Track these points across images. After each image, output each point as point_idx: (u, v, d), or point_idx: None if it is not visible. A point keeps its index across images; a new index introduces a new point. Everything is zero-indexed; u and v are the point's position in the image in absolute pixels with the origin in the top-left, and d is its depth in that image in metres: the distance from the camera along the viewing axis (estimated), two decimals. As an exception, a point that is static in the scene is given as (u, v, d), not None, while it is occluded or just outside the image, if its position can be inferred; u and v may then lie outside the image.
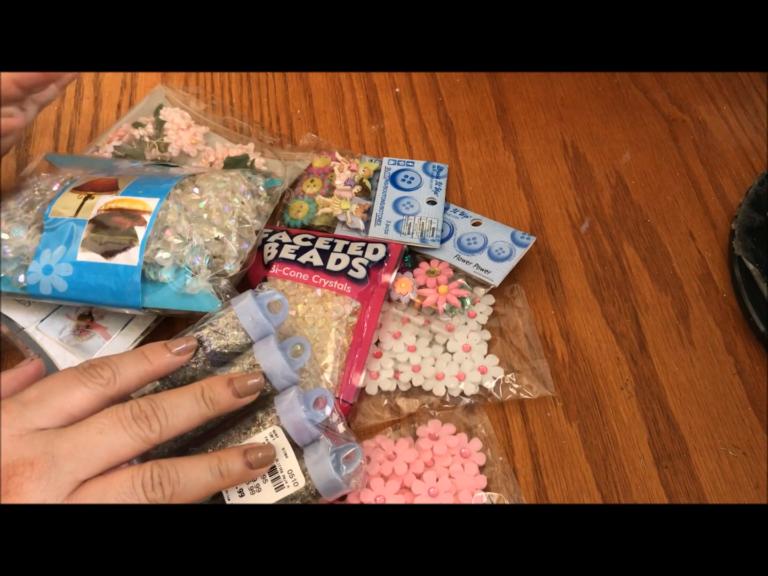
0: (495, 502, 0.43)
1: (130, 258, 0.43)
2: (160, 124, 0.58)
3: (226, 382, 0.37)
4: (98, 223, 0.44)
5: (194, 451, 0.39)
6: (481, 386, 0.47)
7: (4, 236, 0.45)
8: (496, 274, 0.50)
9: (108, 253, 0.43)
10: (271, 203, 0.50)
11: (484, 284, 0.50)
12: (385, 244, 0.50)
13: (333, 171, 0.55)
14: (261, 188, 0.49)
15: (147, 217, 0.44)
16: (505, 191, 0.57)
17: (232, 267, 0.45)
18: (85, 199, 0.45)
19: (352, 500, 0.42)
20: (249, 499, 0.38)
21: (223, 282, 0.45)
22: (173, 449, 0.40)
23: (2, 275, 0.45)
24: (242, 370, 0.39)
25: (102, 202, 0.45)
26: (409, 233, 0.52)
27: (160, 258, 0.44)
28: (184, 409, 0.36)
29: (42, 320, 0.47)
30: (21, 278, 0.44)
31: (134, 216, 0.44)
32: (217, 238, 0.45)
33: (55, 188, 0.48)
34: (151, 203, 0.44)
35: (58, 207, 0.45)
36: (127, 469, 0.33)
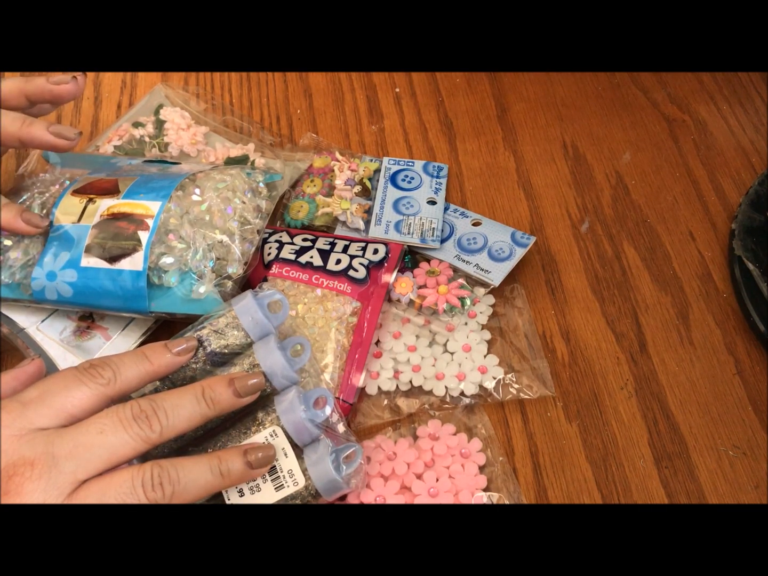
0: (495, 502, 0.43)
1: (135, 263, 0.43)
2: (160, 124, 0.58)
3: (226, 382, 0.37)
4: (101, 229, 0.44)
5: (194, 451, 0.39)
6: (481, 386, 0.47)
7: (7, 242, 0.45)
8: (496, 274, 0.50)
9: (112, 259, 0.43)
10: (271, 201, 0.50)
11: (484, 284, 0.50)
12: (385, 244, 0.50)
13: (333, 171, 0.55)
14: (261, 185, 0.49)
15: (150, 222, 0.44)
16: (505, 191, 0.57)
17: (236, 269, 0.45)
18: (87, 203, 0.45)
19: (352, 500, 0.42)
20: (249, 499, 0.38)
21: (229, 285, 0.45)
22: (173, 449, 0.40)
23: (9, 282, 0.45)
24: (242, 370, 0.39)
25: (104, 206, 0.45)
26: (409, 233, 0.52)
27: (164, 263, 0.44)
28: (184, 409, 0.36)
29: (43, 321, 0.47)
30: (28, 284, 0.45)
31: (137, 220, 0.44)
32: (220, 242, 0.45)
33: (54, 189, 0.48)
34: (153, 207, 0.44)
35: (60, 213, 0.45)
36: (127, 469, 0.33)
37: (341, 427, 0.41)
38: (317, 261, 0.48)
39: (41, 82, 0.45)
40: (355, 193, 0.53)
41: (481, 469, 0.44)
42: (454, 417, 0.46)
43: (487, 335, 0.49)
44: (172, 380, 0.40)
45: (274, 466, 0.38)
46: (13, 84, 0.45)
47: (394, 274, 0.48)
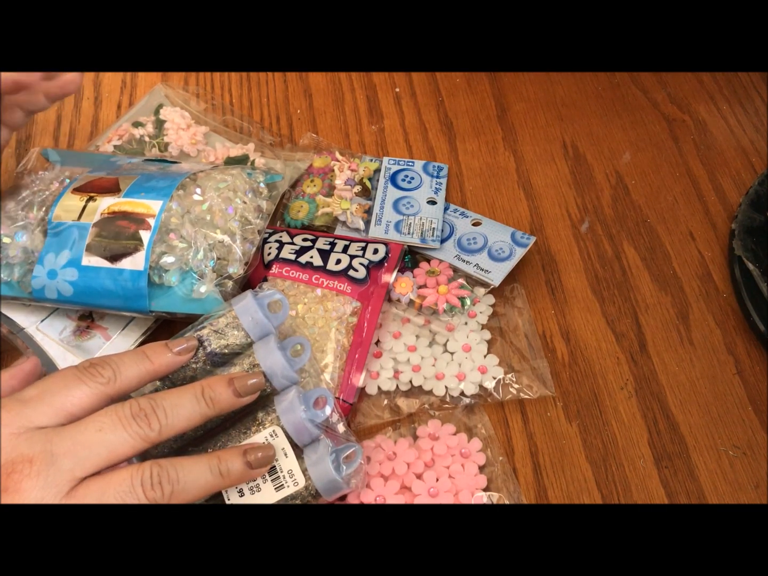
0: (495, 502, 0.43)
1: (136, 263, 0.43)
2: (160, 124, 0.58)
3: (226, 381, 0.37)
4: (102, 227, 0.44)
5: (194, 450, 0.39)
6: (481, 386, 0.47)
7: (6, 240, 0.45)
8: (496, 274, 0.50)
9: (113, 258, 0.43)
10: (272, 202, 0.50)
11: (484, 284, 0.50)
12: (385, 244, 0.50)
13: (333, 171, 0.55)
14: (262, 185, 0.49)
15: (151, 221, 0.44)
16: (505, 191, 0.57)
17: (236, 269, 0.45)
18: (87, 201, 0.45)
19: (352, 500, 0.42)
20: (249, 499, 0.38)
21: (230, 284, 0.45)
22: (173, 449, 0.40)
23: (9, 280, 0.45)
24: (242, 370, 0.39)
25: (105, 204, 0.45)
26: (409, 233, 0.52)
27: (165, 262, 0.44)
28: (184, 408, 0.36)
29: (42, 320, 0.47)
30: (27, 282, 0.45)
31: (138, 219, 0.44)
32: (221, 242, 0.45)
33: (54, 187, 0.48)
34: (154, 206, 0.44)
35: (60, 210, 0.45)
36: (126, 468, 0.33)
37: (341, 427, 0.41)
38: (317, 261, 0.48)
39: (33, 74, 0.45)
40: (355, 193, 0.53)
41: (481, 469, 0.44)
42: (454, 417, 0.46)
43: (487, 335, 0.49)
44: (172, 380, 0.40)
45: (274, 466, 0.38)
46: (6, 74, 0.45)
47: (394, 274, 0.48)
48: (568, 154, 0.59)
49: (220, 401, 0.37)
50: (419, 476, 0.43)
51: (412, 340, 0.48)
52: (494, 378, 0.47)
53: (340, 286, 0.47)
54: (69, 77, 0.48)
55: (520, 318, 0.50)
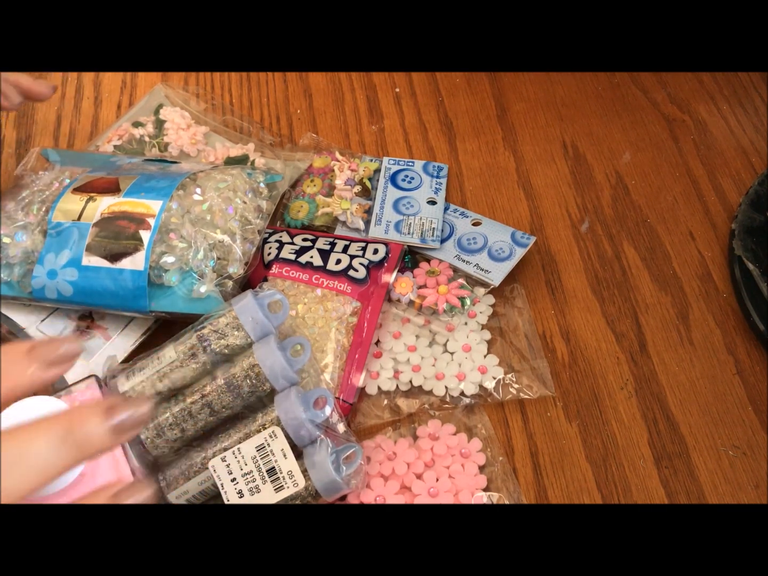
0: (495, 502, 0.43)
1: (136, 263, 0.43)
2: (160, 124, 0.58)
3: (103, 410, 0.25)
4: (102, 227, 0.44)
5: (194, 450, 0.39)
6: (481, 386, 0.47)
7: (6, 240, 0.45)
8: (496, 274, 0.50)
9: (113, 258, 0.43)
10: (272, 202, 0.50)
11: (484, 284, 0.50)
12: (385, 244, 0.50)
13: (333, 171, 0.55)
14: (262, 185, 0.49)
15: (151, 221, 0.44)
16: (505, 191, 0.57)
17: (236, 269, 0.45)
18: (87, 201, 0.45)
19: (352, 500, 0.42)
20: (249, 500, 0.38)
21: (230, 284, 0.45)
22: (173, 449, 0.40)
23: (9, 280, 0.45)
24: (242, 370, 0.39)
25: (105, 204, 0.45)
26: (409, 233, 0.52)
27: (165, 262, 0.44)
28: (33, 462, 0.24)
29: (42, 320, 0.47)
30: (27, 282, 0.45)
31: (138, 220, 0.44)
32: (221, 241, 0.45)
33: (54, 187, 0.48)
34: (154, 206, 0.44)
35: (60, 210, 0.45)
36: None
37: (341, 427, 0.41)
38: (317, 261, 0.48)
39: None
40: (355, 193, 0.53)
41: (481, 469, 0.44)
42: (454, 417, 0.46)
43: (487, 335, 0.49)
44: (172, 381, 0.40)
45: (274, 467, 0.38)
46: None
47: (394, 274, 0.48)
48: (568, 154, 0.59)
49: (91, 443, 0.25)
50: (419, 476, 0.43)
51: (412, 340, 0.48)
52: (494, 378, 0.47)
53: (340, 286, 0.47)
54: (44, 88, 0.48)
55: (520, 318, 0.50)
